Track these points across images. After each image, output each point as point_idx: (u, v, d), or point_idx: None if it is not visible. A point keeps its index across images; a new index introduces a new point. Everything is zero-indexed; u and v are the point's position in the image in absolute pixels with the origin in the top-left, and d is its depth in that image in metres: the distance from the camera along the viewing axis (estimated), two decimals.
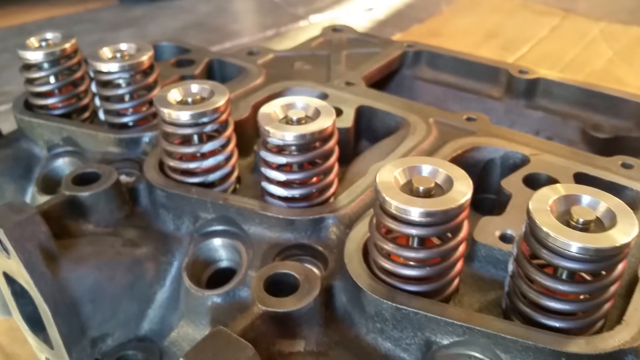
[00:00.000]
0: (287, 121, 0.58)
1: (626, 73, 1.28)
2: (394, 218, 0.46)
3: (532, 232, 0.43)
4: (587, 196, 0.45)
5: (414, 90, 0.93)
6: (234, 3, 2.06)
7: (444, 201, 0.45)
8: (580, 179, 0.61)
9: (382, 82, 0.92)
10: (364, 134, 0.76)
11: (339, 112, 0.75)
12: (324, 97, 0.79)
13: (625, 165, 0.63)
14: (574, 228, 0.42)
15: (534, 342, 0.43)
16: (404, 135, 0.70)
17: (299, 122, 0.57)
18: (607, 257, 0.42)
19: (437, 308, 0.46)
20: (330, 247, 0.56)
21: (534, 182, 0.61)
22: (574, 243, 0.41)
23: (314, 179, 0.59)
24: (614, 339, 0.44)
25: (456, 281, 0.51)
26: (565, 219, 0.43)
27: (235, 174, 0.66)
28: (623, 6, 1.67)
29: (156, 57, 0.94)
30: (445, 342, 0.46)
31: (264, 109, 0.58)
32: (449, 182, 0.47)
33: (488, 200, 0.67)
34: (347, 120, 0.73)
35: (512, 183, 0.60)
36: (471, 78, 0.90)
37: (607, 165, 0.63)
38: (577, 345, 0.43)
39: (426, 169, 0.49)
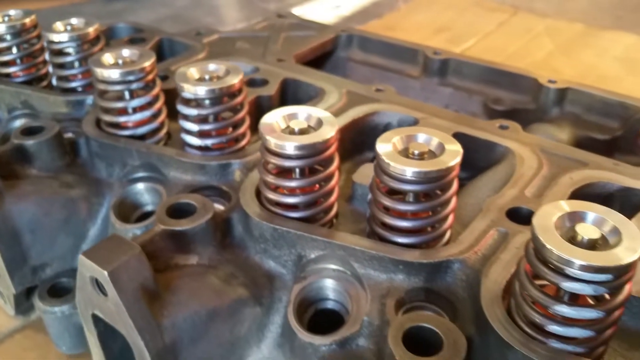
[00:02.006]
0: (200, 79, 0.67)
1: (563, 64, 1.38)
2: (274, 154, 0.55)
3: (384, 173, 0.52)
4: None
5: (347, 70, 1.02)
6: None
7: (315, 136, 0.54)
8: (459, 137, 0.70)
9: (317, 62, 1.01)
10: (289, 102, 0.85)
11: (265, 83, 0.84)
12: (255, 70, 0.88)
13: (502, 127, 0.73)
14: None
15: (377, 252, 0.52)
16: (318, 101, 0.80)
17: (211, 79, 0.67)
18: (438, 178, 0.51)
19: (304, 227, 0.55)
20: (234, 188, 0.65)
21: None
22: (408, 168, 0.50)
23: (226, 130, 0.68)
24: (444, 252, 0.53)
25: (332, 212, 0.60)
26: None
27: (165, 130, 0.75)
28: (574, 7, 1.77)
29: (113, 37, 1.04)
30: (312, 256, 0.56)
31: (181, 70, 0.67)
32: (319, 123, 0.56)
33: None
34: (271, 89, 0.83)
35: None
36: (394, 59, 0.99)
37: (486, 127, 0.72)
38: (412, 255, 0.52)
39: (302, 114, 0.58)
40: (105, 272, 0.47)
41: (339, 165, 0.58)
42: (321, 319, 0.56)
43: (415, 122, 0.74)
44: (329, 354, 0.51)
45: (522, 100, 0.87)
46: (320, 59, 1.03)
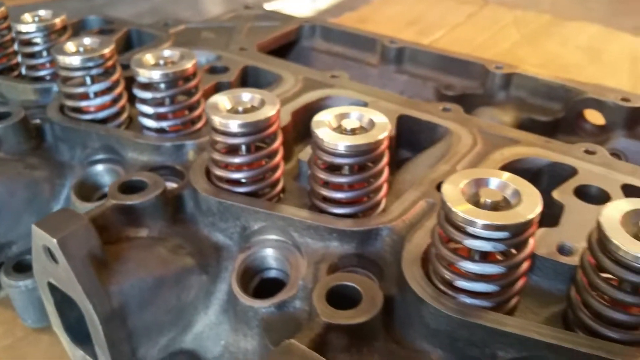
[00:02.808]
0: (155, 64, 0.71)
1: (528, 53, 1.42)
2: (219, 132, 0.59)
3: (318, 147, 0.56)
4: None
5: (310, 59, 1.06)
6: None
7: (257, 115, 0.58)
8: (403, 119, 0.74)
9: (281, 52, 1.05)
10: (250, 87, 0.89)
11: (226, 70, 0.88)
12: (217, 58, 0.92)
13: (445, 109, 0.76)
14: None
15: (312, 221, 0.56)
16: (275, 87, 0.83)
17: (165, 64, 0.70)
18: (369, 151, 0.55)
19: (247, 200, 0.59)
20: (188, 167, 0.68)
21: None
22: (340, 143, 0.54)
23: (179, 113, 0.72)
24: (374, 220, 0.57)
25: (278, 187, 0.64)
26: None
27: (125, 114, 0.78)
28: None
29: (85, 29, 1.07)
30: (256, 227, 0.59)
31: (137, 56, 0.71)
32: (262, 103, 0.60)
33: None
34: (231, 76, 0.86)
35: None
36: (354, 48, 1.03)
37: (430, 109, 0.76)
38: (345, 223, 0.56)
39: (246, 96, 0.62)
40: (55, 240, 0.50)
41: (291, 144, 0.62)
42: (267, 287, 0.60)
43: (364, 106, 0.78)
44: (268, 315, 0.55)
45: (471, 85, 0.91)
46: (284, 49, 1.06)
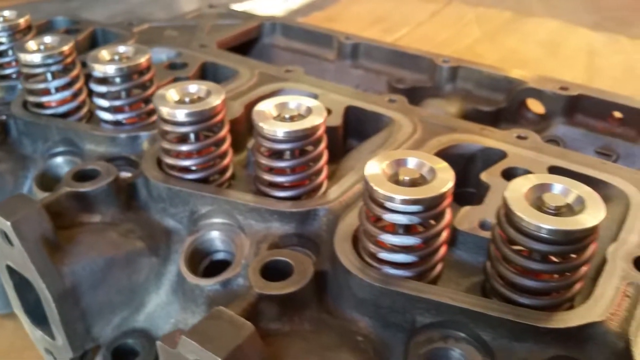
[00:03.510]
0: (111, 60, 0.74)
1: (487, 49, 1.47)
2: (167, 122, 0.63)
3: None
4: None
5: (271, 56, 1.10)
6: None
7: (204, 104, 0.62)
8: (350, 110, 0.78)
9: (243, 49, 1.09)
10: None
11: (185, 66, 0.92)
12: (178, 55, 0.96)
13: (390, 100, 0.80)
14: None
15: (254, 204, 0.60)
16: (231, 81, 0.87)
17: (120, 60, 0.74)
18: (305, 137, 0.59)
19: (194, 186, 0.63)
20: (141, 157, 0.72)
21: None
22: (279, 129, 0.58)
23: (134, 106, 0.75)
24: (312, 202, 0.61)
25: (227, 174, 0.67)
26: None
27: (86, 108, 0.82)
28: None
29: (52, 29, 1.11)
30: (203, 211, 0.63)
31: (93, 53, 0.75)
32: (208, 93, 0.64)
33: None
34: (189, 72, 0.90)
35: None
36: (313, 44, 1.07)
37: (376, 101, 0.80)
38: (285, 205, 0.60)
39: (192, 87, 0.65)
40: (9, 223, 0.54)
41: (244, 135, 0.65)
42: (217, 269, 0.64)
43: (315, 98, 0.81)
44: (213, 293, 0.59)
45: (421, 79, 0.95)
46: (246, 46, 1.10)
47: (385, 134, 0.74)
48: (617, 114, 0.82)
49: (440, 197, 0.49)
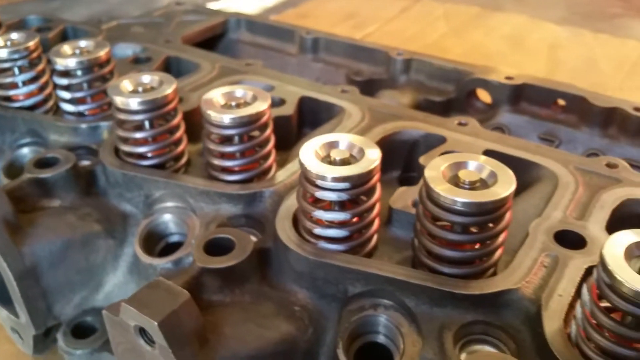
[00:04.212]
0: (72, 54, 0.77)
1: (453, 44, 1.51)
2: (121, 110, 0.66)
3: None
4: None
5: (237, 51, 1.13)
6: None
7: (155, 93, 0.65)
8: (304, 100, 0.82)
9: (209, 44, 1.12)
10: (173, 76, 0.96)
11: (149, 60, 0.95)
12: (143, 50, 0.99)
13: (343, 91, 0.84)
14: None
15: (204, 187, 0.64)
16: (193, 74, 0.91)
17: (81, 54, 0.77)
18: (250, 122, 0.62)
19: (146, 171, 0.67)
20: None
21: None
22: (225, 116, 0.61)
23: (95, 98, 0.79)
24: (258, 185, 0.64)
25: (182, 160, 0.71)
26: None
27: (52, 101, 0.85)
28: None
29: (25, 27, 1.14)
30: (157, 195, 0.67)
31: (55, 47, 0.78)
32: (160, 83, 0.67)
33: None
34: (152, 66, 0.94)
35: None
36: (276, 39, 1.11)
37: (330, 92, 0.84)
38: (232, 188, 0.64)
39: (146, 78, 0.69)
40: None
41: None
42: (171, 251, 0.67)
43: (271, 89, 0.85)
44: (166, 272, 0.62)
45: (377, 71, 0.99)
46: (212, 42, 1.14)
47: (336, 121, 0.77)
48: (561, 102, 0.86)
49: (367, 175, 0.52)
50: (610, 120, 0.83)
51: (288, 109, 0.80)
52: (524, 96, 0.88)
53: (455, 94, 0.92)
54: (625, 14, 1.83)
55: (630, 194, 0.63)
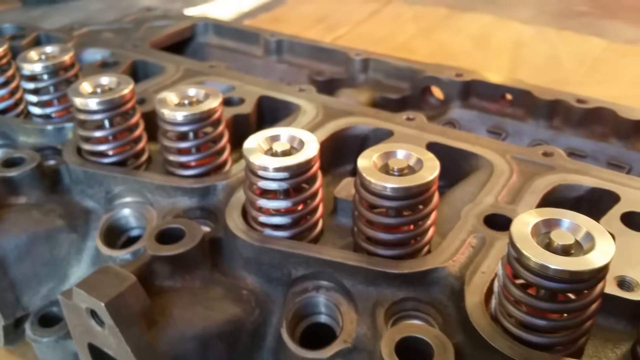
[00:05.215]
0: (38, 60, 0.81)
1: (420, 45, 1.55)
2: (81, 111, 0.70)
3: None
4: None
5: (205, 54, 1.17)
6: (122, 0, 2.28)
7: (113, 93, 0.69)
8: (263, 99, 0.86)
9: (178, 48, 1.16)
10: (140, 80, 0.99)
11: (116, 64, 0.99)
12: (111, 55, 1.03)
13: (300, 90, 0.88)
14: None
15: (160, 182, 0.68)
16: (159, 76, 0.94)
17: (46, 59, 0.81)
18: (202, 119, 0.66)
19: (107, 168, 0.71)
20: None
21: (229, 102, 0.86)
22: (178, 113, 0.65)
23: (61, 100, 0.82)
24: (211, 179, 0.68)
25: (142, 157, 0.75)
26: None
27: (22, 106, 0.88)
28: None
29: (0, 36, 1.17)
30: (116, 190, 0.70)
31: (22, 54, 0.82)
32: (118, 84, 0.71)
33: None
34: (119, 69, 0.97)
35: None
36: (242, 42, 1.15)
37: (288, 91, 0.88)
38: (187, 182, 0.68)
39: (104, 80, 0.72)
40: None
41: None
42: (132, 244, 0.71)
43: (232, 89, 0.89)
44: (125, 263, 0.66)
45: (337, 71, 1.03)
46: (181, 46, 1.18)
47: (291, 118, 0.81)
48: (508, 96, 0.91)
49: (306, 164, 0.56)
50: (554, 113, 0.87)
51: (246, 108, 0.84)
52: (473, 92, 0.93)
53: (410, 92, 0.96)
54: (592, 13, 1.88)
55: (561, 179, 0.67)
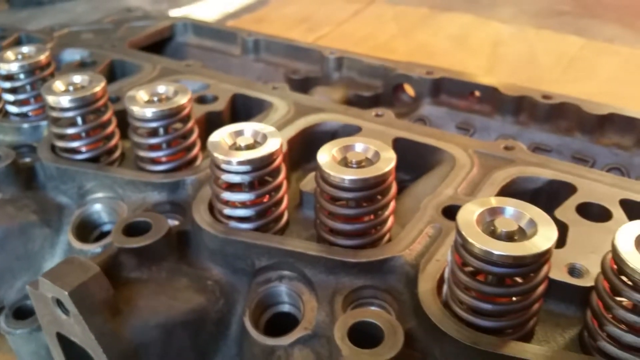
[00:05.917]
0: (15, 59, 0.83)
1: (400, 44, 1.57)
2: (54, 109, 0.72)
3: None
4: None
5: (184, 53, 1.19)
6: (108, 2, 2.30)
7: (85, 91, 0.71)
8: (237, 97, 0.88)
9: (157, 48, 1.18)
10: (118, 79, 1.01)
11: (94, 64, 1.01)
12: (90, 55, 1.05)
13: (274, 88, 0.90)
14: None
15: (130, 177, 0.69)
16: (135, 75, 0.96)
17: (23, 58, 0.83)
18: (171, 115, 0.68)
19: (78, 164, 0.72)
20: None
21: (203, 99, 0.87)
22: (147, 110, 0.67)
23: (37, 99, 0.84)
24: (180, 174, 0.70)
25: (115, 154, 0.76)
26: None
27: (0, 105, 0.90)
28: None
29: None
30: (88, 186, 0.72)
31: (1, 54, 0.83)
32: (90, 82, 0.73)
33: None
34: (97, 69, 0.99)
35: None
36: (221, 42, 1.17)
37: (262, 89, 0.90)
38: (157, 177, 0.69)
39: (77, 78, 0.74)
40: None
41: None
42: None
43: (207, 87, 0.91)
44: (92, 256, 0.67)
45: (313, 69, 1.05)
46: (160, 46, 1.19)
47: (263, 115, 0.83)
48: (477, 93, 0.93)
49: (268, 158, 0.58)
50: (520, 108, 0.89)
51: (220, 105, 0.86)
52: (443, 89, 0.95)
53: (382, 89, 0.98)
54: (573, 12, 1.91)
55: (520, 172, 0.69)
